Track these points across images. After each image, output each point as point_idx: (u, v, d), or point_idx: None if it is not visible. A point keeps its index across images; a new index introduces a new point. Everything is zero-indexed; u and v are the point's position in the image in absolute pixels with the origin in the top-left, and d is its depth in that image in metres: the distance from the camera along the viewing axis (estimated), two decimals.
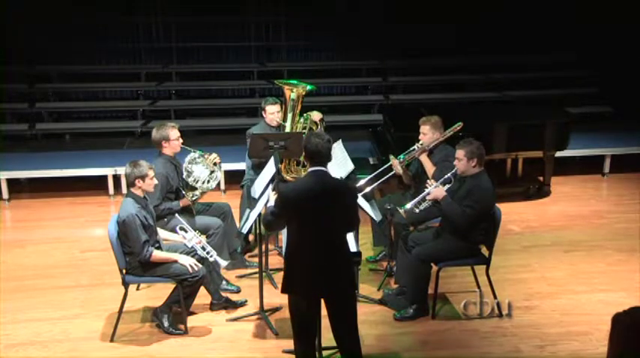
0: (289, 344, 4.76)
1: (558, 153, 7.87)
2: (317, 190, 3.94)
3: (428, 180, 5.42)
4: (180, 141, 5.70)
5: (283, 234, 5.92)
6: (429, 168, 5.71)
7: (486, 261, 5.27)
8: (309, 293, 4.01)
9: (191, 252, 5.12)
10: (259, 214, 5.20)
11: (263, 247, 5.54)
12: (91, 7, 10.27)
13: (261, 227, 5.69)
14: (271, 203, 4.34)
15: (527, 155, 7.85)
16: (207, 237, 5.47)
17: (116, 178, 7.97)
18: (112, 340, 4.94)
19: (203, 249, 5.14)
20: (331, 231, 3.99)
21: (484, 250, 5.30)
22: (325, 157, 4.02)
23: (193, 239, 5.16)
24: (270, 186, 4.94)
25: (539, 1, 10.82)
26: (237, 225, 6.06)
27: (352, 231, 4.34)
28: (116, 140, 9.52)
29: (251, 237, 6.43)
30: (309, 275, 3.96)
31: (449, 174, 5.24)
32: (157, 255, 4.91)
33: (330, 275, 3.98)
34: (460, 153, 5.12)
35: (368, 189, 5.62)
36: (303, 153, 4.09)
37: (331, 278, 3.99)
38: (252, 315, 5.24)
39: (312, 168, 4.03)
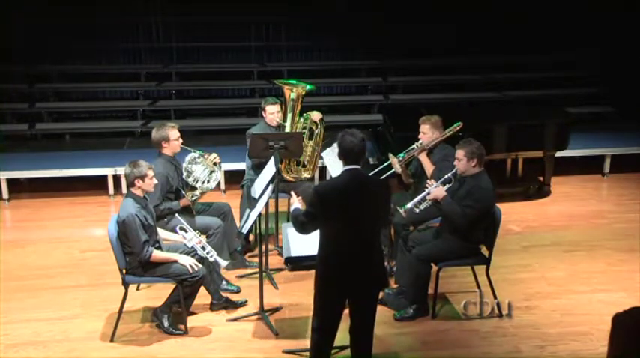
0: (289, 344, 4.79)
1: (558, 153, 7.87)
2: (352, 188, 3.95)
3: (428, 180, 5.42)
4: (180, 141, 5.70)
5: (283, 234, 5.94)
6: (429, 167, 5.71)
7: (486, 261, 5.27)
8: (341, 291, 4.04)
9: (191, 252, 5.12)
10: (259, 214, 5.21)
11: (263, 247, 5.54)
12: (91, 7, 10.27)
13: (261, 227, 5.71)
14: (296, 206, 4.32)
15: (527, 155, 7.85)
16: (207, 237, 5.47)
17: (116, 178, 7.96)
18: (112, 340, 4.94)
19: (203, 249, 5.14)
20: (366, 229, 4.00)
21: (484, 250, 5.30)
22: (360, 156, 4.01)
23: (193, 239, 5.16)
24: (293, 192, 4.93)
25: (538, 1, 10.82)
26: (237, 225, 6.06)
27: (384, 227, 4.42)
28: (116, 140, 9.51)
29: (251, 237, 6.43)
30: (343, 273, 3.99)
31: (449, 174, 5.24)
32: (157, 255, 4.91)
33: (363, 273, 4.01)
34: (460, 153, 5.12)
35: None
36: (338, 152, 4.06)
37: (364, 276, 4.01)
38: (252, 315, 5.24)
39: (346, 166, 4.02)
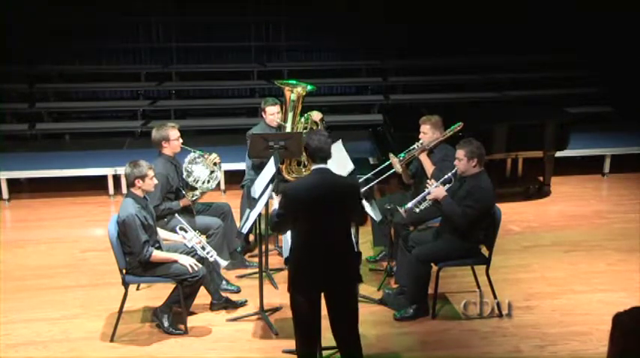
0: (289, 344, 4.77)
1: (558, 153, 7.87)
2: (321, 188, 3.97)
3: (428, 180, 5.42)
4: (180, 141, 5.70)
5: (283, 235, 5.93)
6: (429, 167, 5.70)
7: (486, 261, 5.27)
8: (313, 290, 4.04)
9: (191, 252, 5.12)
10: (259, 214, 5.20)
11: (263, 247, 5.55)
12: (91, 7, 10.28)
13: (261, 227, 5.71)
14: (276, 206, 4.34)
15: (527, 155, 7.85)
16: (207, 237, 5.47)
17: (116, 178, 7.97)
18: (112, 340, 4.94)
19: (203, 249, 5.14)
20: (335, 228, 4.02)
21: (484, 250, 5.30)
22: (327, 154, 4.05)
23: (193, 239, 5.16)
24: (273, 189, 4.93)
25: (538, 1, 10.82)
26: (237, 225, 6.06)
27: (361, 224, 4.35)
28: (116, 140, 9.52)
29: (251, 237, 6.43)
30: (314, 272, 4.00)
31: (449, 174, 5.23)
32: (157, 255, 4.91)
33: (334, 272, 4.01)
34: (460, 153, 5.12)
35: (367, 188, 5.62)
36: (305, 152, 4.12)
37: (334, 275, 4.02)
38: (252, 315, 5.24)
39: (315, 166, 4.05)
